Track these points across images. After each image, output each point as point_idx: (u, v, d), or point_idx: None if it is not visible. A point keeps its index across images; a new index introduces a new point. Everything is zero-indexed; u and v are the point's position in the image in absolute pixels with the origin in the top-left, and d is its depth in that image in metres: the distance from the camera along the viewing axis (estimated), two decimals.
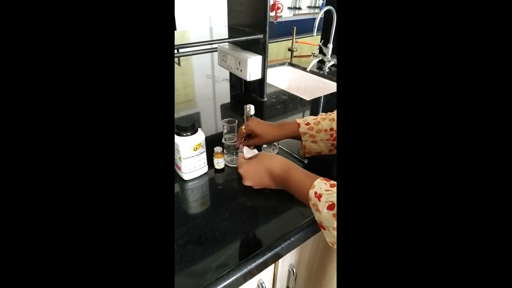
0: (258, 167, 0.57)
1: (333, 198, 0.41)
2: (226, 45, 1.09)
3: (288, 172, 0.52)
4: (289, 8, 3.45)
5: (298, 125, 0.67)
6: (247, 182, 0.59)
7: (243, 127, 0.68)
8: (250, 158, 0.61)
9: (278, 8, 2.60)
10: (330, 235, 0.41)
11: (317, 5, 3.58)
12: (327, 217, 0.41)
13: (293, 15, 3.26)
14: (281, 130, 0.68)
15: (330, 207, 0.41)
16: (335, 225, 0.40)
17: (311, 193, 0.44)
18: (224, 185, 0.66)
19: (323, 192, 0.43)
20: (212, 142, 0.70)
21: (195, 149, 0.62)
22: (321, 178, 0.47)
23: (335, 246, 0.41)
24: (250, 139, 0.69)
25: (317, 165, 0.75)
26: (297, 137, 0.68)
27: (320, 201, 0.42)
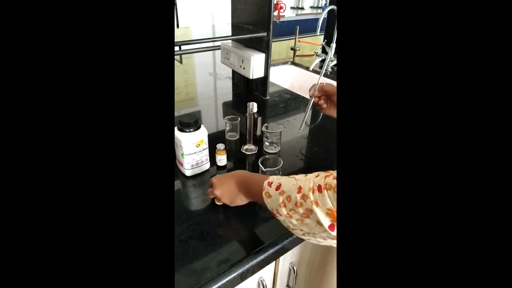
0: (228, 179, 0.55)
1: (280, 180, 0.45)
2: (229, 42, 1.09)
3: (250, 176, 0.54)
4: (291, 8, 3.45)
5: None
6: (224, 200, 0.55)
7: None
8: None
9: (281, 7, 2.60)
10: (280, 212, 0.43)
11: (319, 6, 3.58)
12: (276, 197, 0.43)
13: (296, 14, 3.26)
14: None
15: (277, 188, 0.44)
16: (281, 200, 0.42)
17: (265, 183, 0.46)
18: None
19: (274, 180, 0.46)
20: (214, 139, 0.70)
21: (198, 145, 0.62)
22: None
23: (288, 219, 0.43)
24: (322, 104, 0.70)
25: (317, 163, 0.75)
26: None
27: (270, 186, 0.45)
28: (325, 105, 0.69)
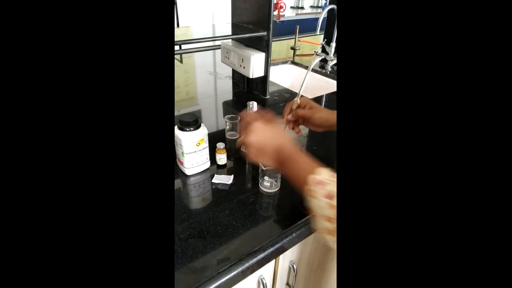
0: (269, 140, 0.50)
1: (333, 188, 0.40)
2: (229, 41, 1.09)
3: (295, 154, 0.49)
4: (291, 7, 3.45)
5: None
6: (250, 150, 0.51)
7: (298, 102, 0.63)
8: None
9: (281, 7, 2.60)
10: (319, 223, 0.40)
11: (319, 5, 3.58)
12: (322, 205, 0.40)
13: (296, 14, 3.26)
14: (333, 113, 0.62)
15: (328, 196, 0.40)
16: (326, 212, 0.39)
17: (313, 178, 0.42)
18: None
19: (324, 180, 0.41)
20: (214, 138, 0.70)
21: (198, 144, 0.62)
22: (331, 169, 0.44)
23: (325, 235, 0.39)
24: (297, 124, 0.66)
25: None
26: None
27: (319, 186, 0.41)
28: (300, 133, 0.67)
